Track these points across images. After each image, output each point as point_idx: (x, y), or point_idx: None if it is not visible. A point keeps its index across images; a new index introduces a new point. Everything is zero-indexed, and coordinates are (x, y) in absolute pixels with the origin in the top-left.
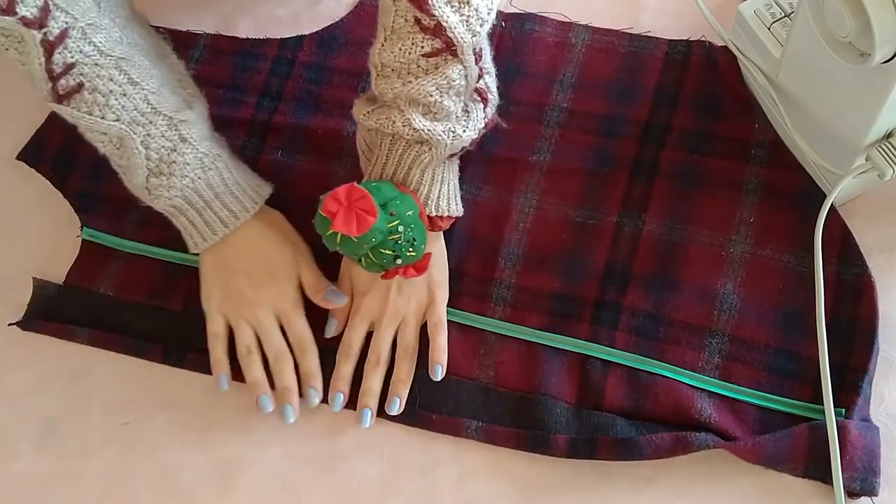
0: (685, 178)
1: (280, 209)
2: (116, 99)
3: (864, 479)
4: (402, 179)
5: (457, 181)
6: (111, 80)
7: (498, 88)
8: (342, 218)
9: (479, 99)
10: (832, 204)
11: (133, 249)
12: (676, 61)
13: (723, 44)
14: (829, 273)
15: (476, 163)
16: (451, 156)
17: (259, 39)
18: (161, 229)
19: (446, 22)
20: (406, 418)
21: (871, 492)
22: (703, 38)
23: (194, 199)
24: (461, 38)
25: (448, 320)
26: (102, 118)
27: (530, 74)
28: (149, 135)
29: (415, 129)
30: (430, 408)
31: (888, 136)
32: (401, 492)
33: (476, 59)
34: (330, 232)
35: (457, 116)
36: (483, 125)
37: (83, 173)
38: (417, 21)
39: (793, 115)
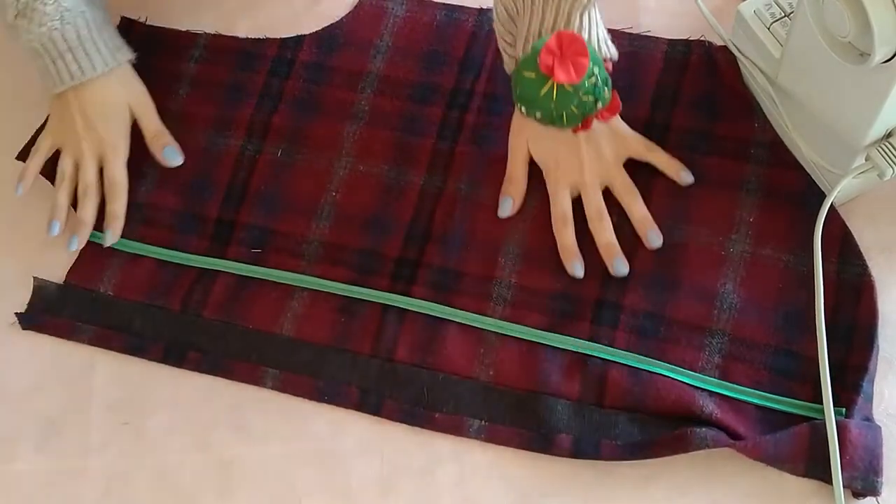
0: (681, 177)
1: (278, 208)
2: None
3: (865, 479)
4: (563, 29)
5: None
6: None
7: None
8: (560, 67)
9: None
10: (832, 203)
11: (133, 249)
12: (676, 61)
13: (722, 44)
14: (828, 272)
15: (476, 161)
16: None
17: (258, 39)
18: (162, 229)
19: None
20: (408, 418)
21: (874, 491)
22: (702, 38)
23: (49, 46)
24: None
25: (448, 319)
26: None
27: None
28: None
29: None
30: (432, 407)
31: (888, 135)
32: (401, 492)
33: None
34: (546, 89)
35: None
36: None
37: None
38: None
39: (792, 115)
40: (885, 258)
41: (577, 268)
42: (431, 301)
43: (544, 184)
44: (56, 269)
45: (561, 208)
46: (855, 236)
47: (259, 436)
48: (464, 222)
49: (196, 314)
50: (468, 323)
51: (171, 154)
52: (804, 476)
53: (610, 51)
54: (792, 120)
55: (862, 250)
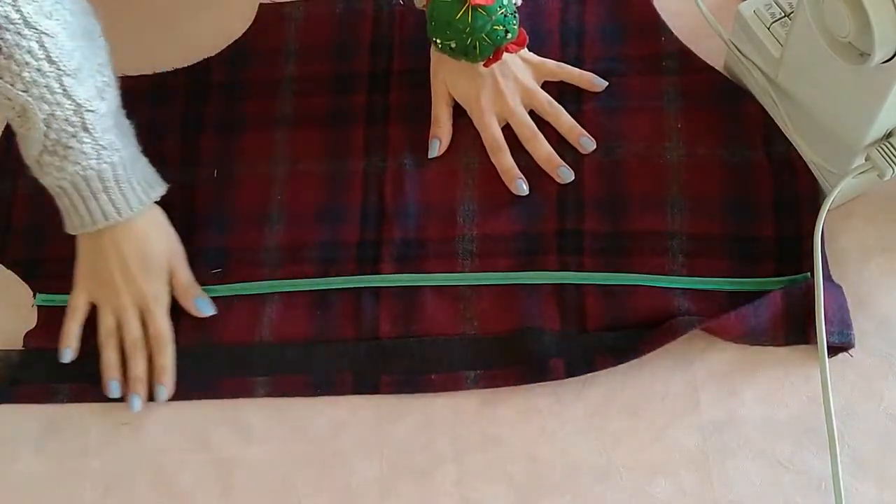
0: (608, 101)
1: (228, 225)
2: (29, 73)
3: (840, 332)
4: None
5: None
6: (29, 52)
7: None
8: None
9: None
10: (752, 96)
11: None
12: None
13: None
14: (759, 157)
15: (413, 136)
16: None
17: (166, 73)
18: None
19: None
20: (405, 387)
21: (849, 343)
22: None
23: (82, 186)
24: None
25: (422, 286)
26: (12, 85)
27: None
28: (53, 115)
29: None
30: (426, 371)
31: (888, 135)
32: (401, 492)
33: None
34: (462, 12)
35: None
36: None
37: (20, 240)
38: None
39: (792, 115)
40: (885, 258)
41: (520, 185)
42: (401, 273)
43: (481, 141)
44: (17, 344)
45: (491, 135)
46: (855, 236)
47: (259, 436)
48: (415, 193)
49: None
50: (442, 284)
51: (203, 305)
52: (784, 345)
53: None
54: (792, 120)
55: (862, 251)
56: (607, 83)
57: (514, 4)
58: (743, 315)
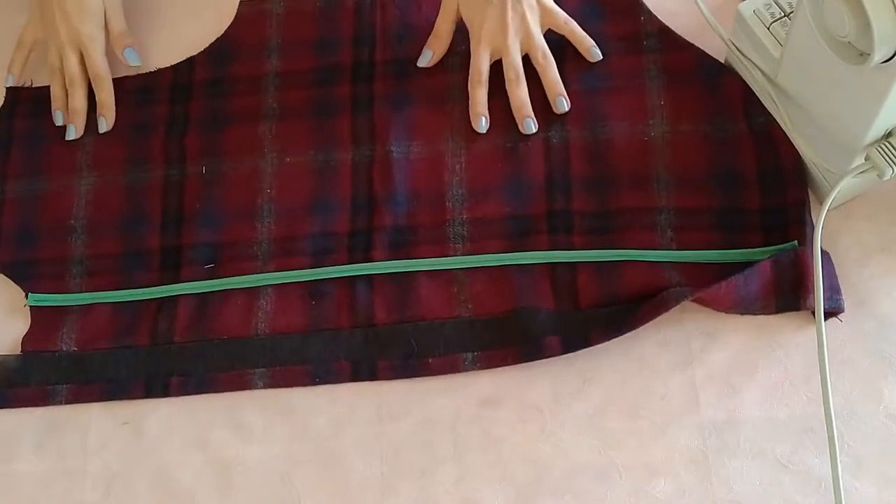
0: (591, 81)
1: (219, 221)
2: None
3: (831, 299)
4: None
5: None
6: None
7: None
8: None
9: None
10: (731, 67)
11: (84, 300)
12: None
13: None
14: (741, 130)
15: (399, 124)
16: None
17: (150, 73)
18: (108, 275)
19: None
20: (403, 372)
21: (839, 308)
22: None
23: None
24: None
25: (415, 272)
26: None
27: (423, 30)
28: None
29: None
30: (423, 355)
31: (888, 135)
32: (401, 492)
33: None
34: None
35: None
36: None
37: (10, 242)
38: None
39: (792, 115)
40: (885, 258)
41: (482, 122)
42: (393, 260)
43: (467, 127)
44: (14, 347)
45: (478, 66)
46: (855, 236)
47: (259, 435)
48: (403, 180)
49: (168, 343)
50: (435, 268)
51: (130, 55)
52: (775, 312)
53: None
54: (792, 120)
55: (862, 250)
56: (602, 57)
57: None
58: (733, 284)
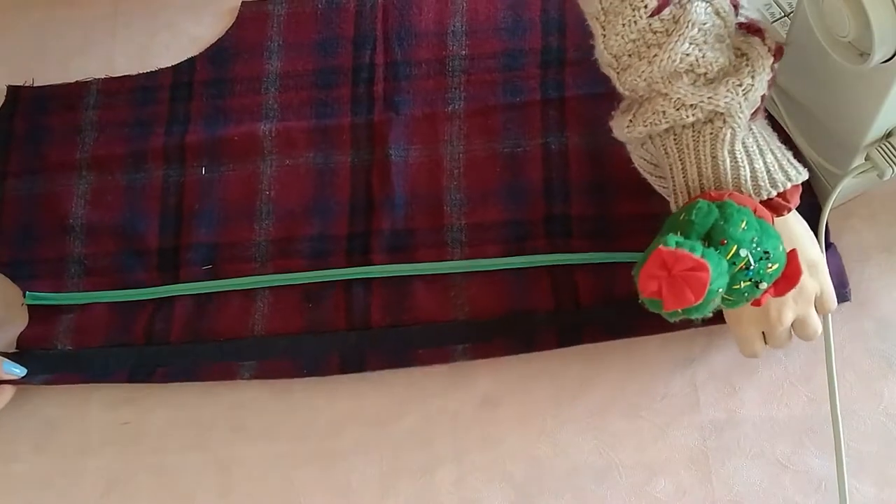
0: (590, 88)
1: (217, 221)
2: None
3: (837, 293)
4: (712, 179)
5: (777, 141)
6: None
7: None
8: (671, 293)
9: (748, 33)
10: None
11: (81, 300)
12: None
13: None
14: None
15: (398, 127)
16: (754, 114)
17: (152, 72)
18: (106, 275)
19: None
20: (392, 362)
21: (845, 298)
22: None
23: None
24: None
25: (412, 276)
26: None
27: (423, 33)
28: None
29: (692, 104)
30: (414, 345)
31: (888, 135)
32: (401, 492)
33: None
34: (669, 312)
35: (733, 65)
36: (770, 59)
37: (9, 241)
38: None
39: (793, 115)
40: (885, 258)
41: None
42: (391, 264)
43: (465, 129)
44: (10, 345)
45: (751, 351)
46: (855, 236)
47: (259, 435)
48: (402, 184)
49: (162, 342)
50: (433, 272)
51: (9, 368)
52: None
53: (790, 175)
54: (792, 120)
55: (862, 250)
56: (836, 306)
57: (792, 191)
58: None
